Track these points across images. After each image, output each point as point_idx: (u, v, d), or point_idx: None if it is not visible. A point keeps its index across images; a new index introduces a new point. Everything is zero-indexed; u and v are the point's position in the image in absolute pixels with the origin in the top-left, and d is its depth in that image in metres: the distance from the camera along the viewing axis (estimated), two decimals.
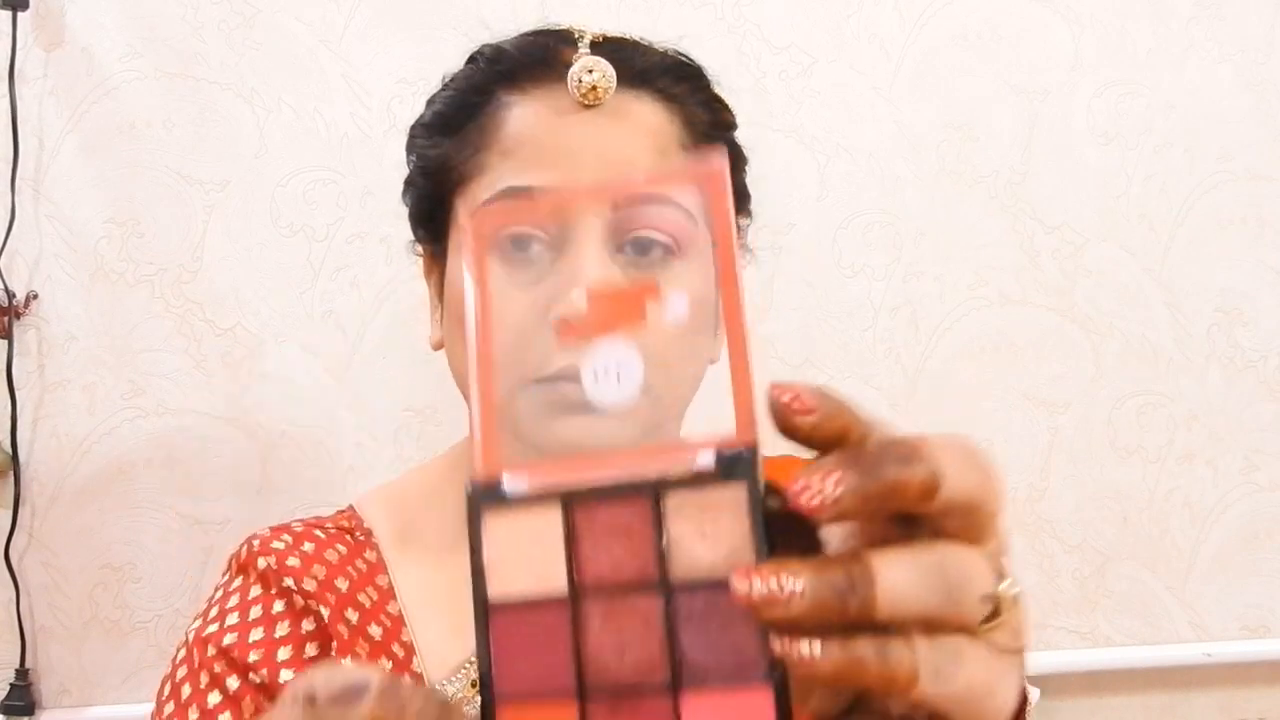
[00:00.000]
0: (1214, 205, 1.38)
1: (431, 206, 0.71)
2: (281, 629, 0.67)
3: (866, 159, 1.32)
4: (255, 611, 0.68)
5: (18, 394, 1.18)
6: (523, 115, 0.66)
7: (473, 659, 0.65)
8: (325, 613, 0.67)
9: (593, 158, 0.64)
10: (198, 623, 0.69)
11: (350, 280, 1.23)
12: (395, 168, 0.75)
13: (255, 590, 0.69)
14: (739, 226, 0.74)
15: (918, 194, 1.33)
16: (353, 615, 0.68)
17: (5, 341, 1.17)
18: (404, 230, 0.77)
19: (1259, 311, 1.39)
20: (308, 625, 0.67)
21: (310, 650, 0.66)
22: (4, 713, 1.17)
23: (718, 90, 0.72)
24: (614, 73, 0.65)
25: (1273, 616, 1.41)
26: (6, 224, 1.17)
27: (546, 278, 0.64)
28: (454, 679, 0.66)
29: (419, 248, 0.75)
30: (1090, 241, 1.36)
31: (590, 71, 0.64)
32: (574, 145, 0.64)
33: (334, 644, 0.66)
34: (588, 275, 0.62)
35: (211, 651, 0.67)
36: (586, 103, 0.64)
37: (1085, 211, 1.36)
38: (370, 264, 1.23)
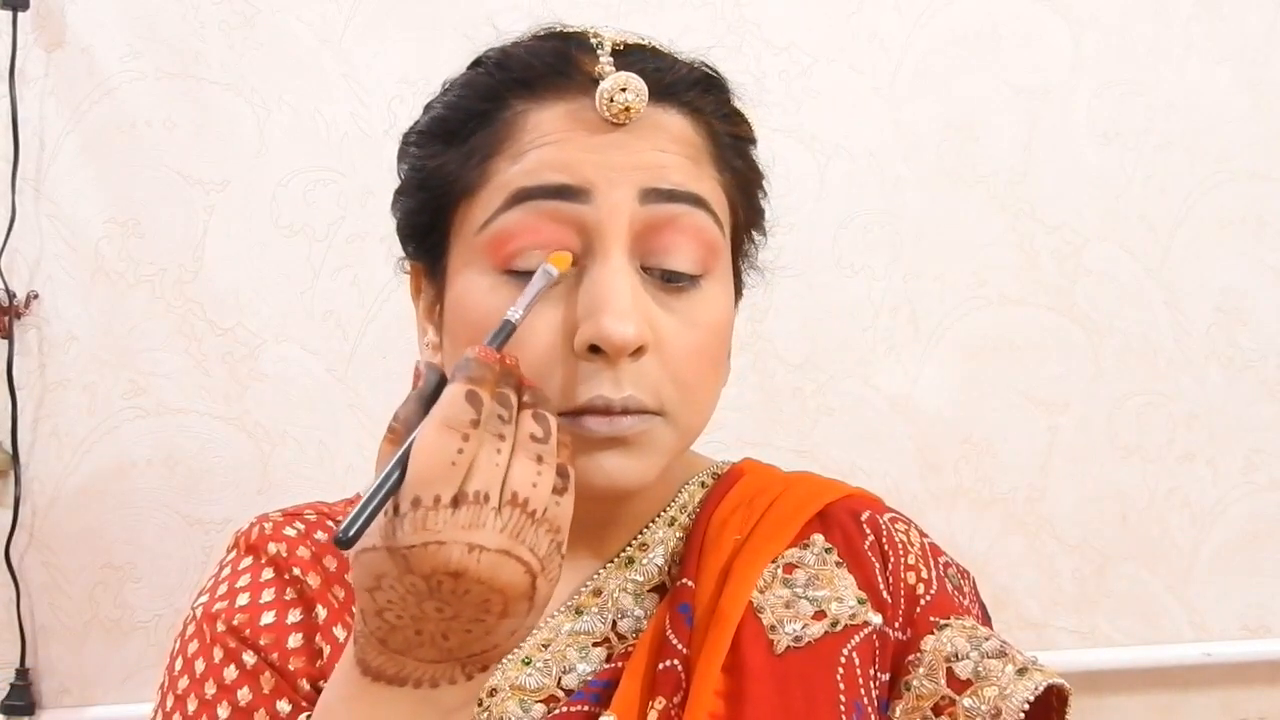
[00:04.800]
0: (1214, 205, 1.38)
1: (429, 219, 0.66)
2: (294, 615, 0.67)
3: (866, 159, 1.32)
4: (267, 595, 0.67)
5: (18, 394, 1.18)
6: (540, 123, 0.62)
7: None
8: (323, 614, 0.67)
9: (623, 168, 0.61)
10: (204, 598, 0.68)
11: (350, 280, 1.23)
12: (396, 168, 0.74)
13: (268, 573, 0.68)
14: (748, 247, 0.72)
15: (918, 194, 1.33)
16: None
17: (5, 341, 1.17)
18: None
19: (1259, 311, 1.39)
20: (318, 615, 0.67)
21: (319, 642, 0.66)
22: (4, 712, 1.17)
23: (738, 104, 0.69)
24: (647, 91, 0.61)
25: (1273, 616, 1.41)
26: (7, 224, 1.17)
27: (570, 297, 0.61)
28: None
29: (407, 265, 0.71)
30: (1090, 241, 1.36)
31: (624, 90, 0.61)
32: (600, 157, 0.61)
33: (328, 649, 0.65)
34: (616, 297, 0.59)
35: (221, 627, 0.66)
36: (617, 121, 0.61)
37: (1085, 211, 1.36)
38: (370, 264, 1.23)
